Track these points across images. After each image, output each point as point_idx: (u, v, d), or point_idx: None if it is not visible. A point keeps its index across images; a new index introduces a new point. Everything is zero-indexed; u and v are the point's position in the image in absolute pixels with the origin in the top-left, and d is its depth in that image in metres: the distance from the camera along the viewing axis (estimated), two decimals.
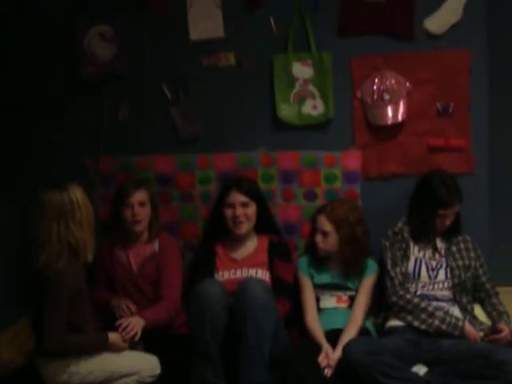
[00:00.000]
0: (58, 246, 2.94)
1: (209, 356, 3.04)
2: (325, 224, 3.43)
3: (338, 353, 3.14)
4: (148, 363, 3.11)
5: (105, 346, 3.04)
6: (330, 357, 3.14)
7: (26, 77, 3.93)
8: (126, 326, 3.12)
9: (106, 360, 3.03)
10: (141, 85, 3.85)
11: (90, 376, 2.98)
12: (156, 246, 3.57)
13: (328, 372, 3.08)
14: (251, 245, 3.58)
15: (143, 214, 3.49)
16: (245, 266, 3.50)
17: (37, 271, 2.96)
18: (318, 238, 3.45)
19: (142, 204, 3.48)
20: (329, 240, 3.44)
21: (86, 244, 3.01)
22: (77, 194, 3.00)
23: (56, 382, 2.98)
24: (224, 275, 3.48)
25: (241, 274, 3.46)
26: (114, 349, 3.06)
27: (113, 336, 3.06)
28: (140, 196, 3.49)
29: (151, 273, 3.52)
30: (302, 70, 3.69)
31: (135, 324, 3.16)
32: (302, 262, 3.57)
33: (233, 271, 3.49)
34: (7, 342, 3.35)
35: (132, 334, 3.11)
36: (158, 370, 3.11)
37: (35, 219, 3.01)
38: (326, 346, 3.21)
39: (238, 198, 3.46)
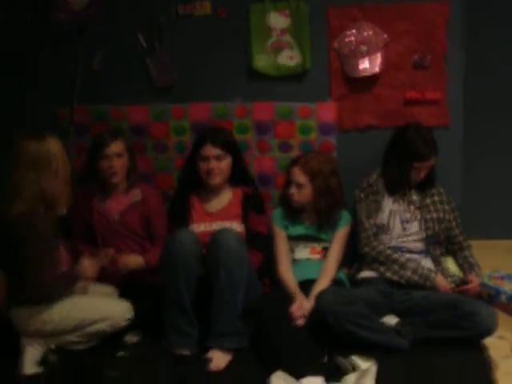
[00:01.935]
0: (35, 195, 2.92)
1: (182, 305, 3.05)
2: (299, 176, 3.43)
3: (310, 303, 3.16)
4: (119, 308, 3.13)
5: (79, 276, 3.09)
6: (303, 307, 3.17)
7: None
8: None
9: (77, 306, 3.04)
10: (115, 33, 3.78)
11: (62, 323, 2.99)
12: (137, 195, 3.57)
13: (300, 322, 3.12)
14: (225, 197, 3.57)
15: (120, 165, 3.47)
16: (219, 218, 3.50)
17: (6, 221, 2.94)
18: (293, 190, 3.45)
19: (118, 155, 3.46)
20: (303, 192, 3.44)
21: (61, 196, 3.00)
22: (54, 144, 3.00)
23: (29, 330, 2.98)
24: (200, 227, 3.48)
25: (216, 226, 3.45)
26: (83, 274, 3.10)
27: (85, 262, 3.11)
28: (117, 147, 3.46)
29: (133, 221, 3.53)
30: (278, 20, 3.65)
31: (132, 260, 3.43)
32: (276, 213, 3.58)
33: (208, 224, 3.49)
34: None
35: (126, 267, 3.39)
36: (129, 314, 3.12)
37: (9, 168, 2.98)
38: (299, 296, 3.24)
39: (212, 151, 3.42)
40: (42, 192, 2.94)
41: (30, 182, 2.93)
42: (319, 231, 3.50)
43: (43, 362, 2.99)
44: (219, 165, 3.44)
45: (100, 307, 3.09)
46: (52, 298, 2.98)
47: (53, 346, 3.03)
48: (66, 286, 3.04)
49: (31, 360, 2.96)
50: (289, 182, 3.48)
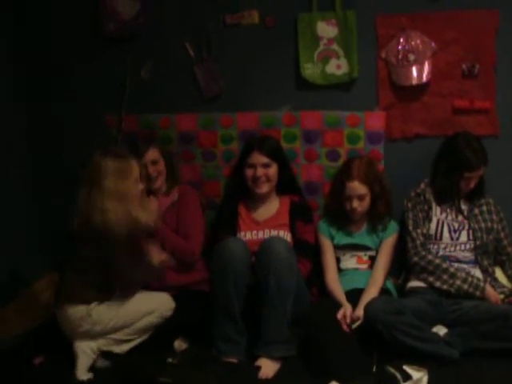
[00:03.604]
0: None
1: (231, 313, 3.06)
2: (360, 188, 3.39)
3: (359, 312, 3.15)
4: (163, 298, 3.24)
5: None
6: (348, 315, 3.16)
7: (50, 33, 3.95)
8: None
9: (124, 305, 3.11)
10: (164, 43, 3.83)
11: (110, 323, 3.06)
12: (175, 196, 3.60)
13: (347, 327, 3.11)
14: (273, 206, 3.58)
15: (157, 171, 3.51)
16: (267, 227, 3.51)
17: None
18: (355, 204, 3.41)
19: (154, 162, 3.51)
20: (365, 202, 3.43)
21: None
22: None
23: (79, 332, 3.04)
24: (246, 236, 3.49)
25: (263, 235, 3.47)
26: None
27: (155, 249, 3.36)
28: (151, 155, 3.50)
29: (171, 221, 3.53)
30: (326, 29, 3.65)
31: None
32: (322, 223, 3.58)
33: (255, 232, 3.50)
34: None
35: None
36: (173, 304, 3.23)
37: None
38: (345, 304, 3.24)
39: (259, 158, 3.44)
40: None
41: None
42: (367, 239, 3.49)
43: (92, 367, 3.04)
44: (266, 172, 3.45)
45: (144, 302, 3.18)
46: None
47: (104, 349, 3.08)
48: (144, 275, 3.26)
49: (84, 365, 3.00)
50: (347, 198, 3.43)
